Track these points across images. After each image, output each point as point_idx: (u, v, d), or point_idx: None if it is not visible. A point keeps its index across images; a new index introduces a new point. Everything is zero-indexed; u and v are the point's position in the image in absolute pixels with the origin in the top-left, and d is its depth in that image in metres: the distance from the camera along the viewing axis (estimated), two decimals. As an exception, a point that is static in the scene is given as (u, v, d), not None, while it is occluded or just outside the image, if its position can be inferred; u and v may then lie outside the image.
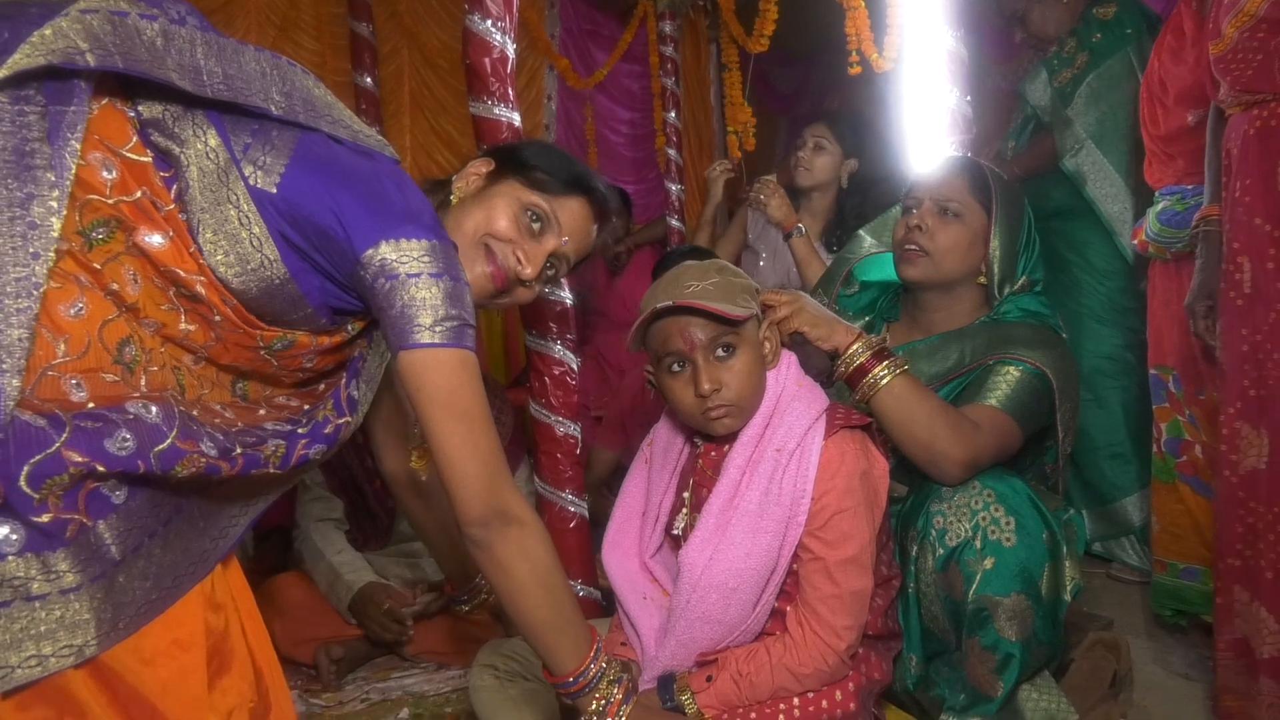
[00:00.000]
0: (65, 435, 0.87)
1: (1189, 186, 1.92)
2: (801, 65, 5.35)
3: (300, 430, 1.10)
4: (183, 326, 1.02)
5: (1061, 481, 1.80)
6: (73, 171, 0.90)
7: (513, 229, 1.27)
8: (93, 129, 0.94)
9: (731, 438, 1.45)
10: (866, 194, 2.77)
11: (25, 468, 0.84)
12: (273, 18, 3.99)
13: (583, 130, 4.75)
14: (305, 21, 4.06)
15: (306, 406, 1.16)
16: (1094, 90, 2.52)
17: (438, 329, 1.03)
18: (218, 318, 1.03)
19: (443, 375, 1.05)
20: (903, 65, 2.62)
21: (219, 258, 1.01)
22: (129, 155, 0.97)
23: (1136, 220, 2.45)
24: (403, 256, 1.02)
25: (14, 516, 0.85)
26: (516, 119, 1.93)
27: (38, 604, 0.87)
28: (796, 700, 1.38)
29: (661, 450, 1.57)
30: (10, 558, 0.85)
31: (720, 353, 1.39)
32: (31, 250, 0.87)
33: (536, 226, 1.30)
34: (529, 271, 1.28)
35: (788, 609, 1.42)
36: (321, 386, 1.20)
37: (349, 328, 1.17)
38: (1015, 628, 1.45)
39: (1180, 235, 1.91)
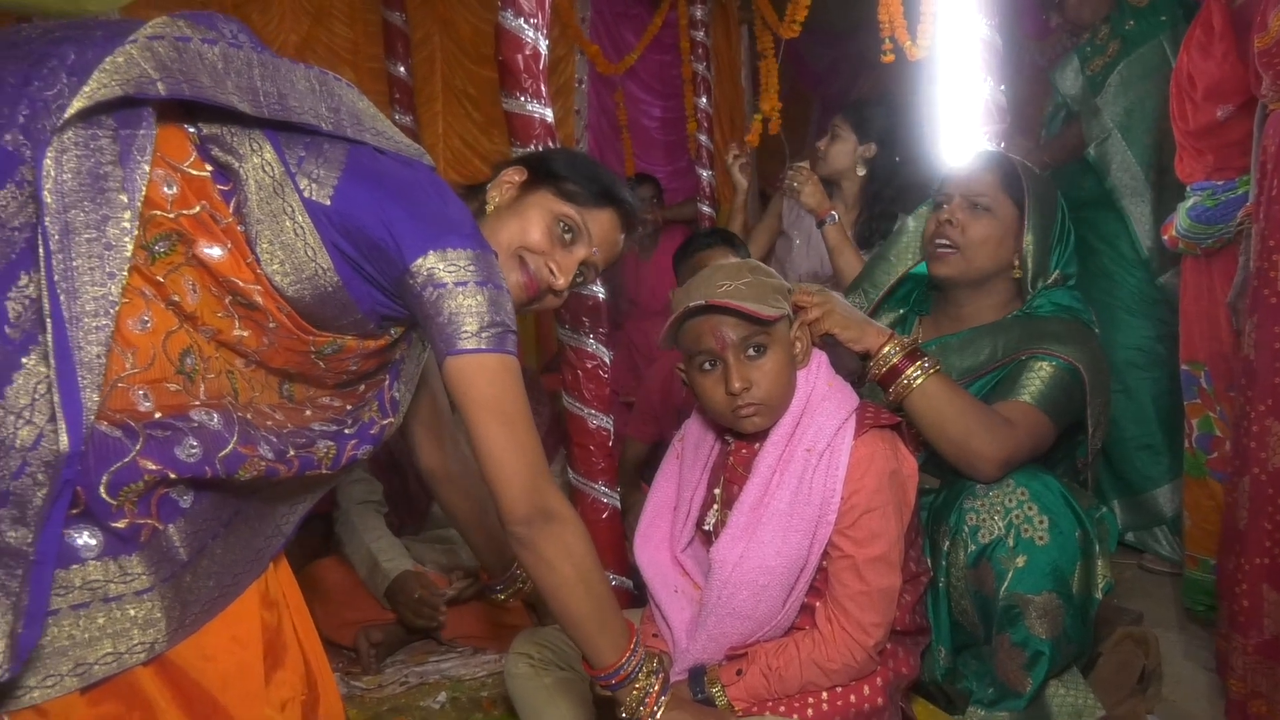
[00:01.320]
0: (139, 445, 0.91)
1: (1219, 182, 1.90)
2: (836, 43, 5.29)
3: (348, 431, 1.14)
4: (236, 332, 1.06)
5: (1092, 475, 1.81)
6: (143, 193, 0.94)
7: (545, 241, 1.31)
8: (156, 147, 0.97)
9: (762, 436, 1.47)
10: (891, 180, 2.76)
11: (105, 476, 0.89)
12: (307, 6, 4.03)
13: (614, 115, 4.75)
14: (339, 10, 4.10)
15: (349, 407, 1.20)
16: (1124, 79, 2.49)
17: (483, 335, 1.07)
18: (272, 324, 1.07)
19: (487, 379, 1.08)
20: (937, 53, 2.61)
21: (275, 267, 1.05)
22: (189, 170, 1.01)
23: (1154, 214, 2.43)
24: (449, 266, 1.06)
25: (94, 523, 0.91)
26: (549, 115, 1.95)
27: (114, 604, 0.92)
28: (825, 694, 1.41)
29: (693, 446, 1.60)
30: (90, 562, 0.91)
31: (751, 352, 1.41)
32: (108, 270, 0.91)
33: (568, 237, 1.33)
34: (561, 282, 1.32)
35: (817, 604, 1.44)
36: (362, 388, 1.24)
37: (392, 331, 1.20)
38: (1046, 625, 1.46)
39: (1211, 231, 1.89)
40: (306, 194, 1.05)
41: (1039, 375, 1.59)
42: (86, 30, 0.96)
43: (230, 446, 0.97)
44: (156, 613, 0.94)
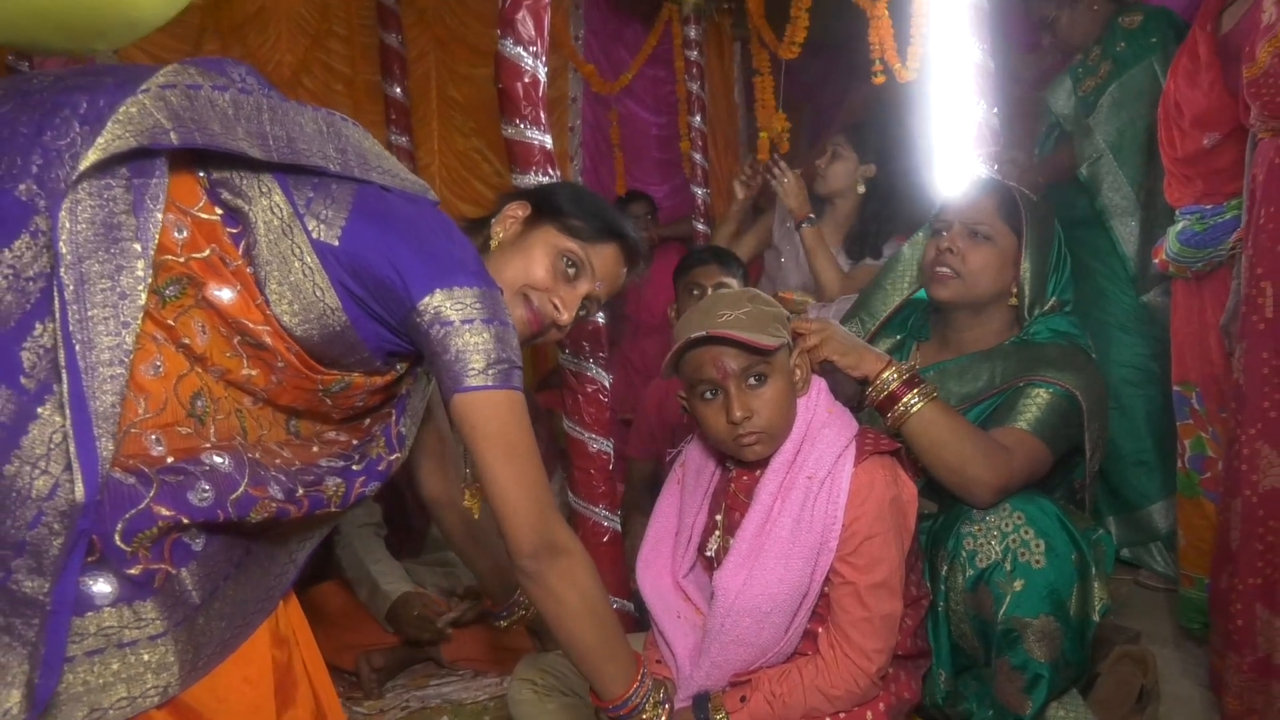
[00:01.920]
0: (154, 491, 0.92)
1: (1208, 206, 1.93)
2: (827, 54, 5.32)
3: (355, 468, 1.15)
4: (245, 371, 1.07)
5: (1090, 497, 1.82)
6: (156, 240, 0.96)
7: (549, 277, 1.33)
8: (168, 194, 0.99)
9: (763, 463, 1.48)
10: (887, 201, 2.79)
11: (120, 524, 0.90)
12: (305, 27, 4.05)
13: (608, 133, 4.78)
14: (336, 31, 4.12)
15: (355, 441, 1.21)
16: (1116, 100, 2.52)
17: (489, 372, 1.08)
18: (280, 364, 1.09)
19: (495, 415, 1.10)
20: (928, 74, 2.64)
21: (284, 307, 1.06)
22: (199, 215, 1.03)
23: (1142, 234, 2.46)
24: (456, 304, 1.07)
25: (109, 570, 0.91)
26: (549, 142, 1.97)
27: (128, 650, 0.93)
28: (828, 720, 1.42)
29: (694, 472, 1.61)
30: (105, 609, 0.91)
31: (752, 381, 1.43)
32: (122, 319, 0.92)
33: (572, 272, 1.35)
34: (565, 318, 1.34)
35: (819, 631, 1.46)
36: (367, 421, 1.25)
37: (398, 367, 1.22)
38: (1044, 649, 1.48)
39: (1200, 255, 1.92)
40: (315, 235, 1.06)
41: (1036, 402, 1.61)
42: (97, 78, 0.97)
43: (241, 489, 0.98)
44: (170, 656, 0.95)
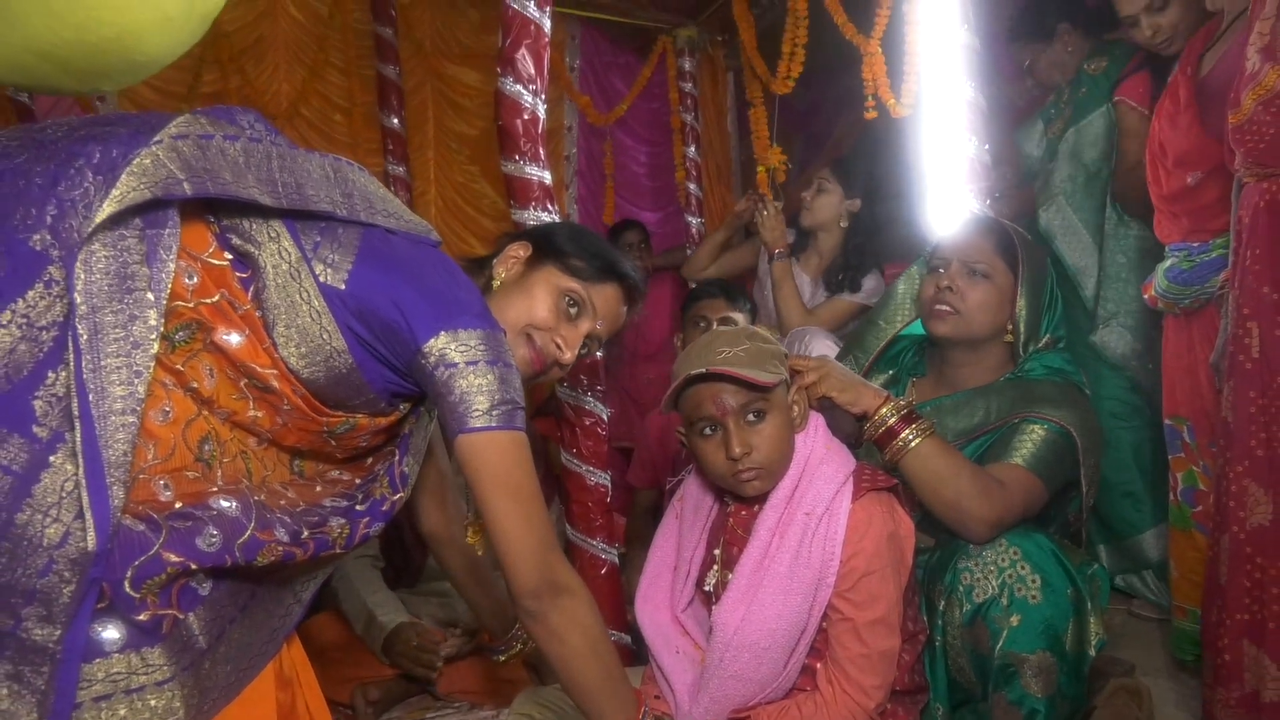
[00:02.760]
0: (163, 537, 0.93)
1: (1195, 244, 1.96)
2: (817, 83, 5.39)
3: (359, 508, 1.16)
4: (251, 413, 1.08)
5: (1085, 530, 1.84)
6: (169, 290, 0.97)
7: (552, 317, 1.35)
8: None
9: (761, 499, 1.50)
10: (870, 235, 2.82)
11: (129, 570, 0.91)
12: (303, 58, 4.09)
13: (601, 163, 4.83)
14: (333, 62, 4.17)
15: (358, 480, 1.22)
16: (1071, 145, 2.57)
17: (494, 413, 1.10)
18: (287, 406, 1.10)
19: (498, 456, 1.11)
20: (920, 110, 2.69)
21: (291, 350, 1.08)
22: (209, 260, 1.04)
23: (1099, 275, 2.50)
24: (460, 346, 1.09)
25: (117, 616, 0.92)
26: (548, 177, 2.00)
27: (135, 696, 0.93)
28: (827, 757, 1.42)
29: (692, 507, 1.62)
30: (114, 655, 0.92)
31: (751, 417, 1.44)
32: (135, 369, 0.93)
33: (574, 311, 1.37)
34: (568, 357, 1.36)
35: (818, 666, 1.46)
36: (370, 460, 1.26)
37: (401, 407, 1.23)
38: (1040, 684, 1.49)
39: (1187, 291, 1.96)
40: (322, 279, 1.08)
41: (1031, 439, 1.63)
42: (111, 127, 0.99)
43: (248, 533, 0.99)
44: (176, 701, 0.95)
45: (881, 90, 2.76)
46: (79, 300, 0.90)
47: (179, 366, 1.01)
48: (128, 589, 0.91)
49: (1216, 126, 1.76)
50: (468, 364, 1.09)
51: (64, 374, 0.90)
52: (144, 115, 1.04)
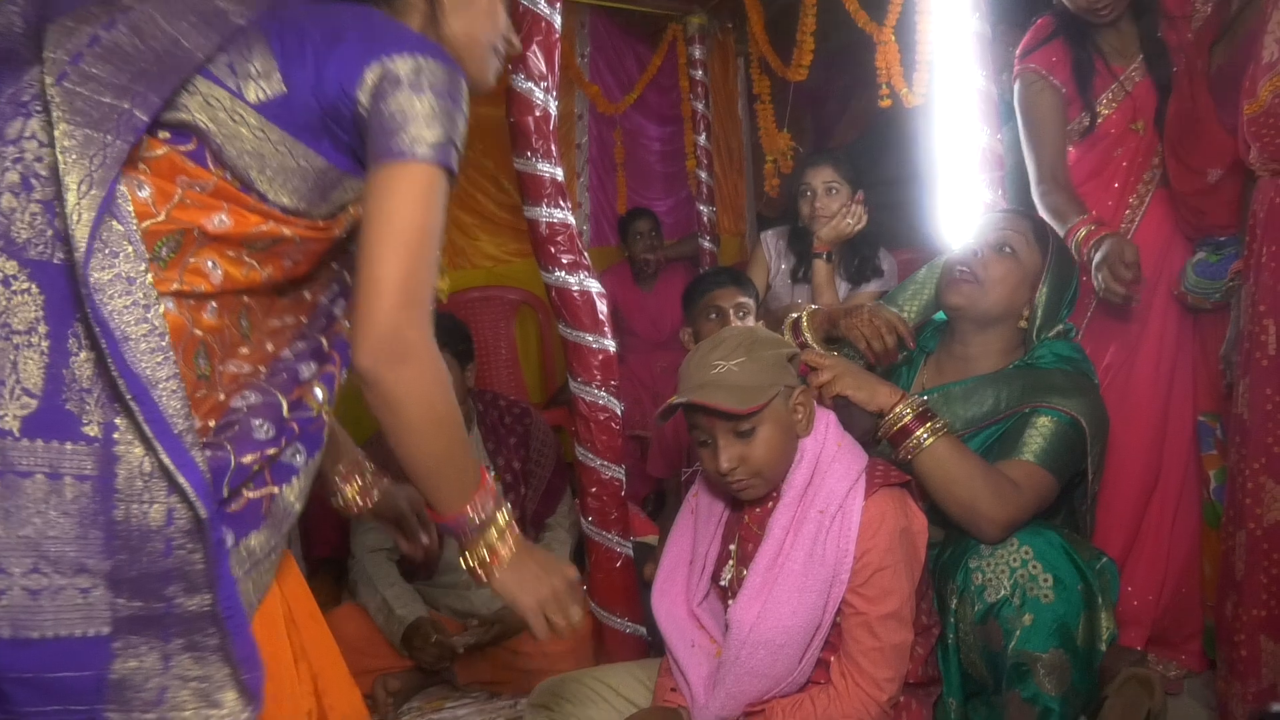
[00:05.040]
0: (231, 449, 0.95)
1: (1221, 238, 1.94)
2: (827, 64, 5.35)
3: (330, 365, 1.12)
4: (264, 275, 1.03)
5: (1091, 517, 1.84)
6: (134, 216, 0.92)
7: (503, 21, 1.23)
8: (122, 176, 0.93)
9: (775, 497, 1.51)
10: (873, 219, 2.79)
11: (225, 492, 0.94)
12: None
13: (612, 151, 4.82)
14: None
15: (304, 319, 1.13)
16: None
17: (426, 144, 0.98)
18: (298, 241, 1.04)
19: (412, 190, 0.98)
20: (933, 99, 2.68)
21: (279, 193, 1.00)
22: (148, 156, 0.96)
23: None
24: (400, 71, 0.98)
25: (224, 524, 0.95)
26: (559, 174, 2.00)
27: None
28: (841, 750, 1.44)
29: (707, 502, 1.64)
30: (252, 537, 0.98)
31: (741, 432, 1.46)
32: (151, 325, 0.91)
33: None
34: (516, 44, 1.27)
35: (831, 660, 1.48)
36: (307, 295, 1.15)
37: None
38: (1054, 682, 1.49)
39: (1216, 286, 1.92)
40: (260, 99, 0.98)
41: (1041, 432, 1.63)
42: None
43: (285, 404, 1.00)
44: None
45: (895, 79, 2.75)
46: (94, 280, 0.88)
47: (176, 285, 0.96)
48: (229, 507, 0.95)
49: (1233, 120, 1.74)
50: (408, 87, 0.97)
51: (79, 368, 0.89)
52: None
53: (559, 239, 1.99)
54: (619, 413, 2.05)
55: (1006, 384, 1.75)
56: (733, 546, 1.58)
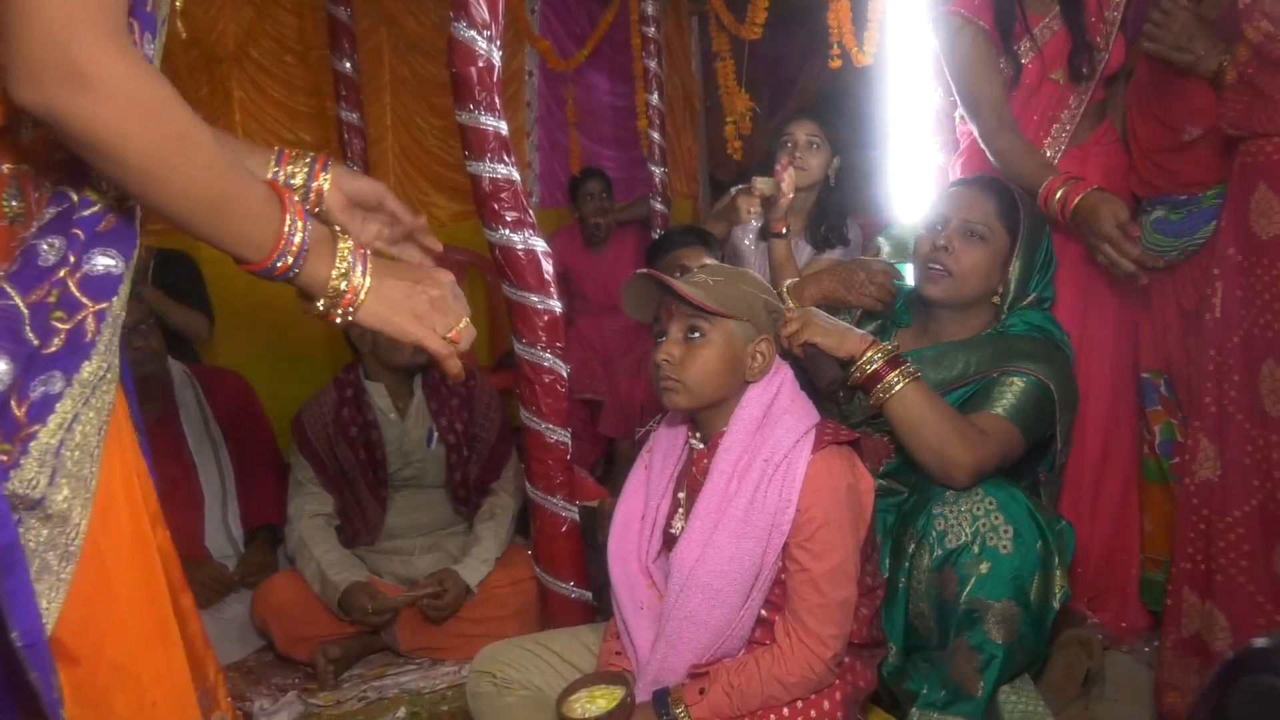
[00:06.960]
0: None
1: (1181, 196, 1.89)
2: (784, 30, 5.31)
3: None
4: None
5: (1054, 489, 1.86)
6: None
7: None
8: None
9: (719, 439, 1.49)
10: (845, 188, 2.77)
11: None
12: (251, -2, 3.94)
13: (563, 109, 4.73)
14: (283, 2, 4.01)
15: None
16: None
17: None
18: None
19: None
20: (884, 58, 2.65)
21: None
22: None
23: None
24: None
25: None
26: (504, 128, 1.93)
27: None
28: (785, 710, 1.43)
29: (661, 455, 1.62)
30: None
31: (692, 335, 1.47)
32: None
33: None
34: None
35: (775, 619, 1.47)
36: None
37: None
38: (1002, 631, 1.52)
39: (1175, 244, 1.89)
40: None
41: (1011, 390, 1.65)
42: None
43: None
44: None
45: (846, 37, 2.72)
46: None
47: None
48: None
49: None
50: None
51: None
52: None
53: (503, 195, 1.92)
54: (565, 375, 2.00)
55: (977, 349, 1.77)
56: (681, 495, 1.56)
